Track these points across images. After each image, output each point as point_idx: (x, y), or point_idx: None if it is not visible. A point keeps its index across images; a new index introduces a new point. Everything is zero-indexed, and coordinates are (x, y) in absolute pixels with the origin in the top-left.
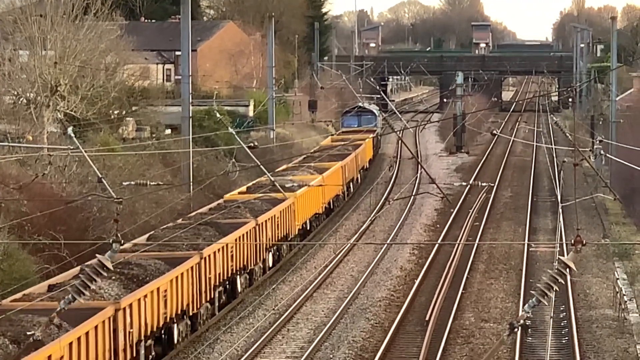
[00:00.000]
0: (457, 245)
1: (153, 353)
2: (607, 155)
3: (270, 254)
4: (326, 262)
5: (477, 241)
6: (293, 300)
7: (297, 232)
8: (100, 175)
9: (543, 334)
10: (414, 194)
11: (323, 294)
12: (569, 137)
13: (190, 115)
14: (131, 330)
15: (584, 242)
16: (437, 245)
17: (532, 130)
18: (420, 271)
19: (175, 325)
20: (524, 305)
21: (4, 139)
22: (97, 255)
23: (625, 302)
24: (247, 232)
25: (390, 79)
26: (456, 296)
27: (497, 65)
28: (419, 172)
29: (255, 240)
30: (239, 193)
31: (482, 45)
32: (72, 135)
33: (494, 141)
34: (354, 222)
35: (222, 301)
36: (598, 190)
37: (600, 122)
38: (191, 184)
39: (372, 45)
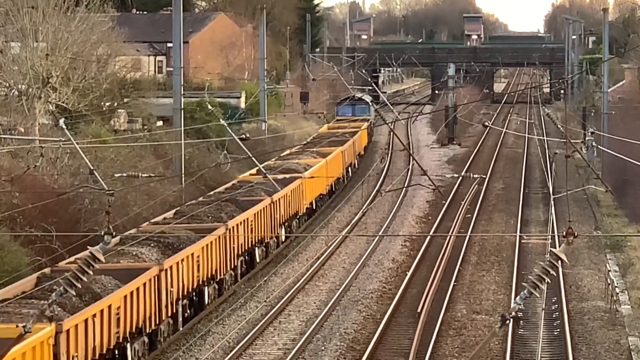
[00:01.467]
0: (449, 237)
1: (188, 312)
2: (599, 147)
3: (283, 229)
4: (318, 254)
5: (469, 233)
6: (285, 292)
7: (305, 210)
8: (92, 167)
9: (535, 326)
10: (405, 185)
11: (315, 285)
12: (561, 128)
13: (182, 107)
14: (172, 289)
15: (576, 234)
16: (429, 237)
17: (523, 122)
18: (412, 263)
19: (206, 288)
20: (515, 297)
21: None
22: (89, 247)
23: (617, 294)
24: (263, 209)
25: (382, 71)
26: (448, 288)
27: (488, 57)
28: (411, 163)
29: (271, 216)
30: (250, 175)
31: (474, 37)
32: (64, 127)
33: (485, 133)
34: (346, 214)
35: (243, 269)
36: (590, 182)
37: (592, 114)
38: (183, 175)
39: (364, 37)
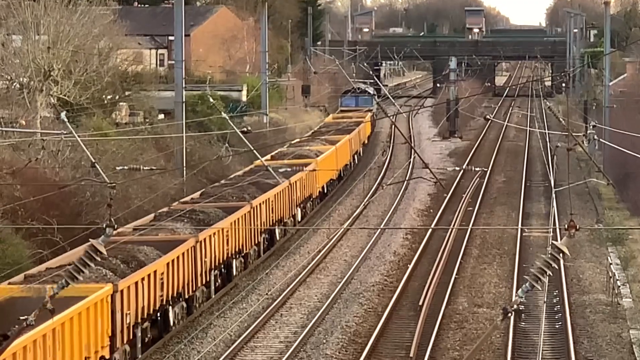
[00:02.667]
0: (450, 230)
1: (219, 282)
2: (601, 140)
3: (299, 210)
4: (320, 247)
5: (470, 226)
6: (286, 285)
7: (317, 194)
8: (93, 160)
9: (536, 319)
10: (407, 178)
11: (316, 278)
12: (562, 122)
13: (184, 100)
14: (205, 259)
15: (578, 227)
16: (430, 230)
17: (525, 115)
18: (414, 256)
19: (234, 261)
20: (517, 290)
21: None
22: (90, 239)
23: (619, 286)
24: (281, 191)
25: (384, 64)
26: (449, 281)
27: (490, 50)
28: (412, 157)
29: (289, 198)
30: (265, 160)
31: (476, 30)
32: (65, 120)
33: (487, 126)
34: (348, 207)
35: (265, 246)
36: (591, 175)
37: (594, 107)
38: (184, 168)
39: (366, 30)
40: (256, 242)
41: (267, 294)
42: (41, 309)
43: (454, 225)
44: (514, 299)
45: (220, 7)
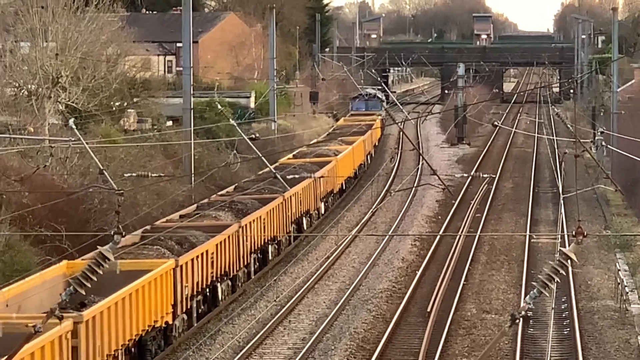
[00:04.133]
0: (458, 236)
1: (257, 264)
2: (609, 146)
3: (323, 204)
4: (328, 254)
5: (478, 232)
6: (295, 291)
7: (337, 189)
8: (101, 167)
9: (544, 325)
10: (415, 185)
11: (325, 285)
12: (570, 128)
13: (192, 106)
14: (246, 243)
15: (585, 234)
16: (438, 236)
17: (533, 122)
18: (422, 262)
19: (269, 246)
20: (525, 296)
21: (5, 130)
22: (98, 247)
23: (627, 293)
24: (307, 185)
25: (392, 71)
26: (458, 287)
27: (498, 57)
28: (421, 163)
29: (314, 192)
30: (288, 159)
31: (484, 36)
32: (74, 126)
33: (495, 132)
34: (356, 213)
35: (294, 234)
36: (599, 182)
37: (602, 114)
38: (192, 175)
39: (374, 36)
40: (287, 230)
41: (275, 300)
42: (49, 316)
43: (462, 232)
44: (522, 305)
45: (228, 14)
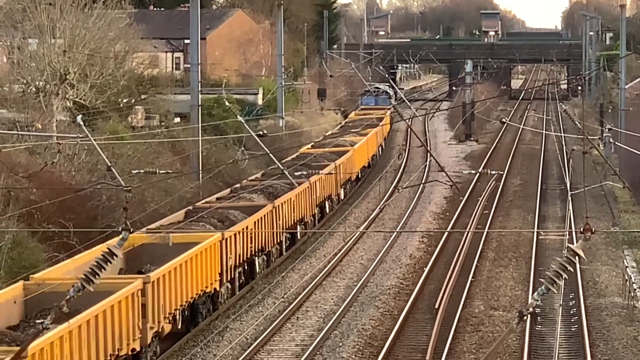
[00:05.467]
0: (466, 233)
1: (288, 242)
2: (616, 143)
3: (342, 189)
4: (336, 250)
5: (486, 229)
6: (302, 288)
7: (354, 177)
8: (109, 164)
9: (552, 321)
10: (423, 182)
11: (332, 282)
12: (578, 125)
13: (200, 103)
14: (279, 222)
15: (593, 230)
16: (446, 233)
17: (541, 119)
18: (430, 259)
19: (298, 226)
20: (533, 293)
21: (13, 127)
22: (106, 243)
23: (635, 290)
24: (330, 171)
25: (399, 67)
26: (465, 284)
27: (506, 54)
28: (428, 160)
29: (335, 178)
30: (307, 149)
31: (491, 33)
32: (82, 123)
33: (503, 129)
34: (364, 210)
35: (318, 217)
36: (607, 178)
37: (610, 110)
38: (200, 172)
39: (381, 33)
40: (312, 213)
41: (283, 297)
42: (57, 312)
43: (470, 229)
44: (529, 302)
45: (236, 11)
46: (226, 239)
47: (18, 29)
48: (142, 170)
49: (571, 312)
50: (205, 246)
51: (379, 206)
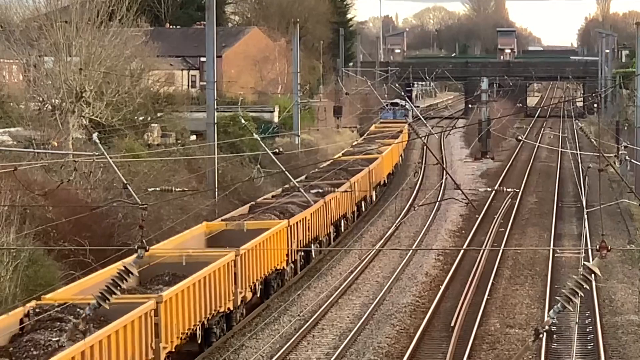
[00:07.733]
0: (482, 250)
1: (334, 234)
2: (632, 160)
3: (374, 192)
4: (351, 268)
5: (502, 247)
6: (318, 306)
7: (382, 182)
8: (125, 182)
9: (568, 339)
10: (439, 199)
11: (348, 299)
12: (594, 142)
13: (215, 121)
14: (328, 216)
15: (609, 248)
16: (462, 250)
17: (557, 136)
18: (446, 277)
19: (342, 221)
20: (549, 311)
21: (29, 145)
22: (123, 261)
23: None
24: (365, 174)
25: (415, 85)
26: (481, 302)
27: (522, 71)
28: (444, 177)
29: (368, 180)
30: (339, 157)
31: (507, 51)
32: (97, 141)
33: (519, 147)
34: (379, 227)
35: (356, 216)
36: (623, 196)
37: (626, 128)
38: (216, 189)
39: (397, 51)
40: (352, 210)
41: (299, 315)
42: (74, 331)
43: (485, 246)
44: (545, 320)
45: (252, 28)
46: (291, 226)
47: (34, 46)
48: (158, 188)
49: (587, 330)
50: (275, 230)
51: (395, 224)
